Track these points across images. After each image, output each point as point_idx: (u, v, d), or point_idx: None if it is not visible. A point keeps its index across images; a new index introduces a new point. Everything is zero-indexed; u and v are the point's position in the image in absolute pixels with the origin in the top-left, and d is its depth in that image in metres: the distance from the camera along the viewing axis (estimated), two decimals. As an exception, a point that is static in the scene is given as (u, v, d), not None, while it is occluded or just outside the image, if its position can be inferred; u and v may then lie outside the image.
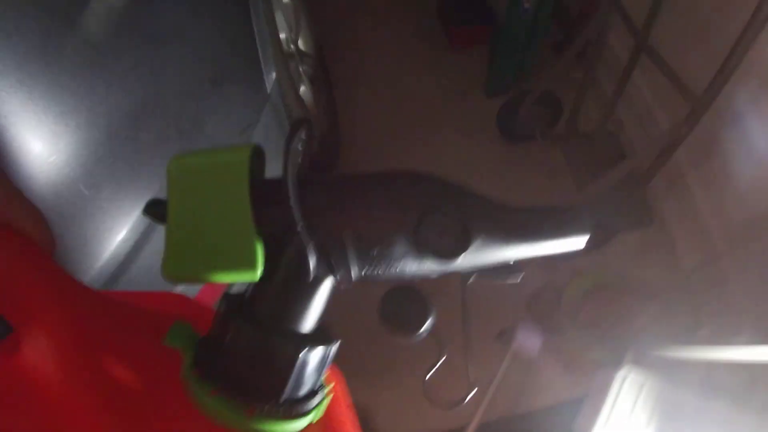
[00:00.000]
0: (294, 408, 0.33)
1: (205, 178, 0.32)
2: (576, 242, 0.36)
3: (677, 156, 1.42)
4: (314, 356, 0.33)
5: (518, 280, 0.38)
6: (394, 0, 2.22)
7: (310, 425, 0.35)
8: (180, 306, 0.51)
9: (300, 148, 0.32)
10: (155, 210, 0.33)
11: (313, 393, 0.35)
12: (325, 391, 0.36)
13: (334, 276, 0.34)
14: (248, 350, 0.32)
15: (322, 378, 0.36)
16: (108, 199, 0.64)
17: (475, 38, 2.01)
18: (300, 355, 0.32)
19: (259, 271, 0.31)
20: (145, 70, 0.66)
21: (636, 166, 1.46)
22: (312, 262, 0.31)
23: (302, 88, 1.31)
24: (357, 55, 2.08)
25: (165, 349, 0.32)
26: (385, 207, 0.33)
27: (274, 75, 0.98)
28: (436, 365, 0.45)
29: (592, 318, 1.38)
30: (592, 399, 0.86)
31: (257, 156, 0.33)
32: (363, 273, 0.34)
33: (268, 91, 0.97)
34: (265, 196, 0.32)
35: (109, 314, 0.36)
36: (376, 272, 0.34)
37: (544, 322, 1.51)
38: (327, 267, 0.33)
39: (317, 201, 0.33)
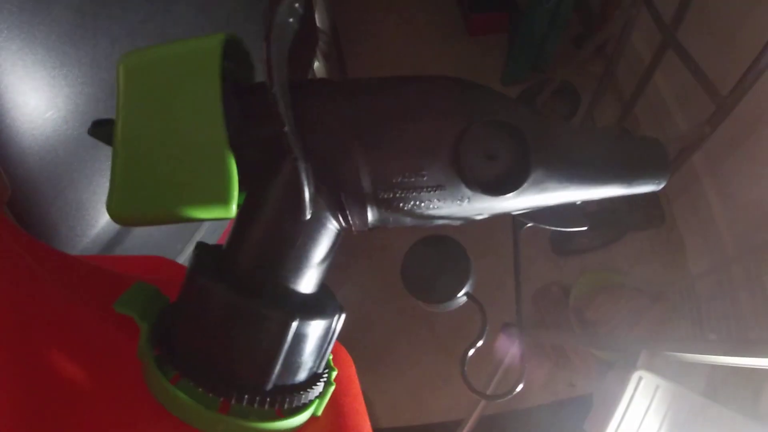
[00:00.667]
0: (286, 399, 0.24)
1: (163, 77, 0.23)
2: (652, 184, 0.27)
3: (693, 159, 1.38)
4: (312, 330, 0.24)
5: (584, 228, 0.29)
6: (412, -18, 2.17)
7: (312, 421, 0.26)
8: (170, 271, 0.41)
9: (293, 24, 0.22)
10: (103, 129, 0.24)
11: (313, 380, 0.26)
12: (331, 377, 0.28)
13: (342, 215, 0.25)
14: (222, 320, 0.23)
15: (326, 360, 0.27)
16: (107, 160, 0.59)
17: (494, 26, 1.97)
18: (291, 327, 0.23)
19: (233, 205, 0.22)
20: (154, 26, 0.62)
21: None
22: (308, 193, 0.22)
23: (316, 64, 1.28)
24: (372, 38, 2.04)
25: (126, 324, 0.24)
26: (412, 115, 0.24)
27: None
28: (478, 340, 0.33)
29: (598, 317, 1.35)
30: (604, 399, 0.83)
31: (237, 53, 0.24)
32: (381, 211, 0.24)
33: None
34: (246, 104, 0.23)
35: (59, 278, 0.27)
36: (399, 211, 0.24)
37: (549, 319, 1.48)
38: (331, 202, 0.24)
39: (316, 107, 0.24)
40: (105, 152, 0.25)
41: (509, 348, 1.37)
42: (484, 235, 1.66)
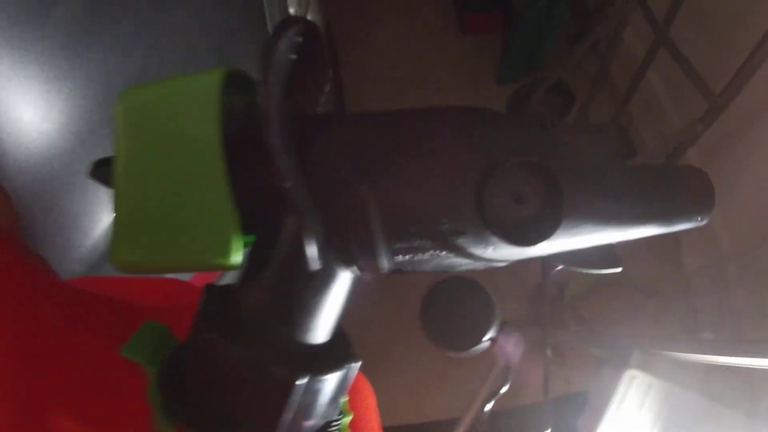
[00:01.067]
0: None
1: (161, 116, 0.21)
2: (695, 222, 0.25)
3: (688, 155, 1.39)
4: (322, 384, 0.23)
5: (619, 270, 0.27)
6: (407, -19, 2.17)
7: None
8: (181, 296, 0.39)
9: (291, 58, 0.20)
10: (104, 172, 0.22)
11: (325, 427, 0.25)
12: (344, 423, 0.27)
13: (353, 265, 0.23)
14: (228, 374, 0.22)
15: (338, 408, 0.25)
16: (102, 172, 0.60)
17: (489, 25, 1.97)
18: (298, 384, 0.21)
19: (235, 257, 0.21)
20: (147, 36, 0.62)
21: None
22: (313, 245, 0.20)
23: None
24: (367, 37, 2.03)
25: (136, 369, 0.23)
26: (428, 156, 0.21)
27: (281, 50, 0.94)
28: (498, 392, 0.32)
29: (593, 314, 1.36)
30: (597, 397, 0.84)
31: (240, 87, 0.22)
32: (396, 261, 0.22)
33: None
34: (252, 144, 0.20)
35: (69, 312, 0.26)
36: (417, 261, 0.22)
37: (545, 316, 1.49)
38: (341, 252, 0.22)
39: (324, 148, 0.21)
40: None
41: (507, 346, 1.38)
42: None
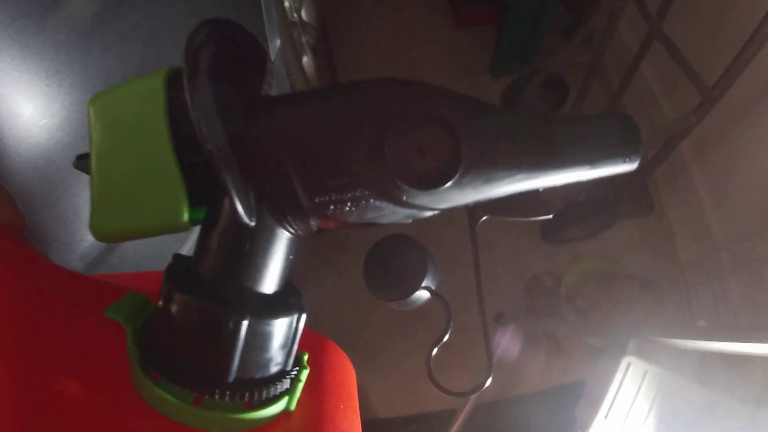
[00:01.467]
0: (246, 393, 0.26)
1: (120, 112, 0.27)
2: (622, 165, 0.26)
3: (681, 147, 1.40)
4: (269, 328, 0.26)
5: (550, 217, 0.29)
6: (400, -26, 2.17)
7: (285, 416, 0.29)
8: None
9: (213, 53, 0.25)
10: (85, 162, 0.28)
11: (279, 376, 0.28)
12: (300, 375, 0.29)
13: (284, 220, 0.26)
14: (186, 322, 0.26)
15: (291, 357, 0.29)
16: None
17: (482, 17, 1.97)
18: (243, 326, 0.25)
19: (184, 217, 0.25)
20: (146, 32, 0.62)
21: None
22: (239, 204, 0.23)
23: (305, 59, 1.28)
24: (361, 29, 2.03)
25: (118, 332, 0.26)
26: (336, 117, 0.25)
27: (278, 43, 0.94)
28: (443, 337, 0.35)
29: (589, 304, 1.37)
30: (595, 384, 0.85)
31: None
32: (319, 214, 0.25)
33: (272, 59, 0.93)
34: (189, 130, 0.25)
35: (58, 287, 0.30)
36: (338, 213, 0.25)
37: (541, 307, 1.50)
38: (272, 210, 0.25)
39: (252, 123, 0.25)
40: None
41: (502, 339, 1.39)
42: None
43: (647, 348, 0.86)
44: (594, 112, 0.28)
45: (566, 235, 1.60)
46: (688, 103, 1.18)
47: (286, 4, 1.19)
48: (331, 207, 0.25)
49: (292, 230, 0.27)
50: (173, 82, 0.26)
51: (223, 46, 0.25)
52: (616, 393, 0.81)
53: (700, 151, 1.48)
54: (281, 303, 0.28)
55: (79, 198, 0.59)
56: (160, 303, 0.26)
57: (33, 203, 0.54)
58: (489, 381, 0.36)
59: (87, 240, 0.61)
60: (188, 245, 0.76)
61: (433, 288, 0.32)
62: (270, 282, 0.27)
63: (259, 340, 0.26)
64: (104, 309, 0.27)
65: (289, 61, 1.07)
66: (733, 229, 1.39)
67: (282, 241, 0.27)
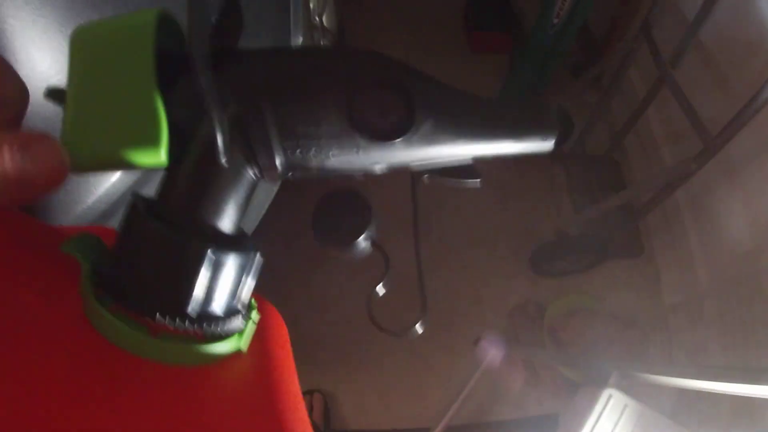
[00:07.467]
0: (203, 324, 0.27)
1: (106, 44, 0.27)
2: (540, 143, 0.31)
3: (677, 194, 1.43)
4: (227, 261, 0.28)
5: (478, 185, 0.33)
6: (421, -5, 2.21)
7: (238, 356, 0.30)
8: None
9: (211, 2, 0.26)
10: (58, 92, 0.28)
11: (233, 313, 0.29)
12: (251, 315, 0.31)
13: (254, 162, 0.28)
14: (148, 251, 0.27)
15: (245, 298, 0.30)
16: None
17: (496, 45, 2.01)
18: (207, 254, 0.26)
19: (163, 151, 0.26)
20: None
21: (634, 198, 1.47)
22: (222, 142, 0.25)
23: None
24: (376, 43, 2.07)
25: (71, 269, 0.27)
26: (313, 75, 0.28)
27: (300, 40, 0.96)
28: (382, 280, 0.38)
29: (571, 338, 1.38)
30: (571, 416, 0.85)
31: (173, 31, 0.28)
32: (288, 159, 0.28)
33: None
34: (178, 70, 0.27)
35: (19, 233, 0.30)
36: (304, 158, 0.28)
37: (523, 336, 1.51)
38: (244, 150, 0.28)
39: (236, 71, 0.28)
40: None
41: (488, 352, 1.40)
42: (463, 246, 1.69)
43: (628, 383, 0.86)
44: (523, 100, 0.33)
45: (556, 267, 1.61)
46: (688, 150, 1.21)
47: (311, 5, 1.20)
48: (298, 151, 0.28)
49: (257, 172, 0.29)
50: (163, 24, 0.27)
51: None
52: (595, 424, 0.81)
53: (695, 200, 1.51)
54: (239, 242, 0.30)
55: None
56: (120, 236, 0.27)
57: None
58: (419, 326, 0.40)
59: (84, 201, 0.61)
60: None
61: (375, 240, 0.36)
62: (230, 221, 0.29)
63: (218, 273, 0.27)
64: (55, 245, 0.27)
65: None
66: (718, 278, 1.40)
67: (246, 182, 0.29)
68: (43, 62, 0.53)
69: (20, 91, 0.27)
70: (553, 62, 1.76)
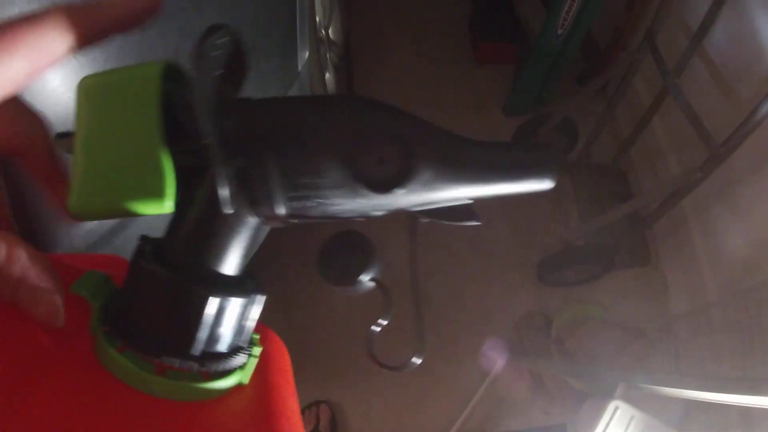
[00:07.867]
0: (206, 364, 0.28)
1: (113, 96, 0.28)
2: (539, 183, 0.32)
3: (683, 203, 1.42)
4: (230, 305, 0.29)
5: (478, 223, 0.33)
6: (427, 6, 2.22)
7: (239, 389, 0.31)
8: (124, 267, 0.46)
9: (218, 56, 0.27)
10: (66, 140, 0.29)
11: (236, 351, 0.30)
12: (253, 351, 0.32)
13: (257, 210, 0.29)
14: (156, 296, 0.28)
15: (247, 336, 0.32)
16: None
17: (501, 55, 2.02)
18: (210, 301, 0.27)
19: (168, 200, 0.27)
20: (181, 22, 0.64)
21: (641, 207, 1.47)
22: (224, 191, 0.26)
23: (327, 75, 1.30)
24: (383, 55, 2.08)
25: (82, 309, 0.28)
26: (315, 127, 0.29)
27: (306, 54, 0.97)
28: (383, 317, 0.39)
29: (578, 348, 1.37)
30: (579, 427, 0.85)
31: (178, 79, 0.29)
32: (290, 207, 0.29)
33: (299, 69, 0.95)
34: (181, 118, 0.28)
35: None
36: (306, 207, 0.29)
37: (530, 346, 1.50)
38: (247, 199, 0.28)
39: (237, 121, 0.29)
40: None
41: (494, 362, 1.40)
42: (469, 257, 1.69)
43: (634, 394, 0.86)
44: (523, 142, 0.32)
45: (562, 277, 1.61)
46: (694, 158, 1.21)
47: (317, 18, 1.22)
48: (301, 201, 0.29)
49: (261, 219, 0.30)
50: (168, 74, 0.28)
51: (228, 50, 0.28)
52: (601, 435, 0.81)
53: (701, 209, 1.50)
54: (243, 284, 0.31)
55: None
56: (129, 278, 0.28)
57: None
58: (419, 360, 0.41)
59: (84, 225, 0.62)
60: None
61: (377, 279, 0.37)
62: (234, 264, 0.30)
63: (221, 317, 0.29)
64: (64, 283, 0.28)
65: (314, 74, 1.10)
66: (726, 287, 1.40)
67: (250, 228, 0.30)
68: (56, 78, 0.54)
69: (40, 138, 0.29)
70: (558, 71, 1.77)
